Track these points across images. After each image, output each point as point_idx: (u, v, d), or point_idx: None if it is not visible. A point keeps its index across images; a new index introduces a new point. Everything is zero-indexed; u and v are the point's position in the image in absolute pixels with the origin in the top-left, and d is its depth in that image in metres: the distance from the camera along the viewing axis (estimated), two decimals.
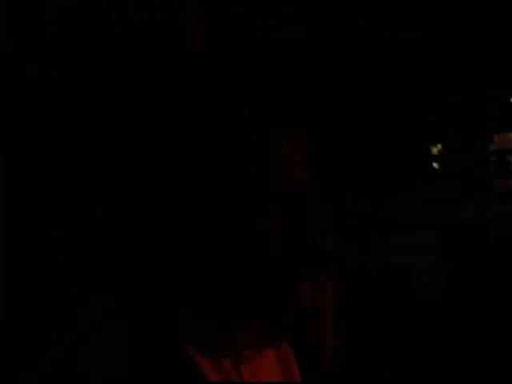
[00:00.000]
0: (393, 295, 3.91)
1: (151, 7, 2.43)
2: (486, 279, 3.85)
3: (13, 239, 2.38)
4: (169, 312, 1.00)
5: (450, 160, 4.63)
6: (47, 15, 2.50)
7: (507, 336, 3.54)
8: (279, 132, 0.99)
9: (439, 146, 4.76)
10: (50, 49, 2.51)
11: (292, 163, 1.00)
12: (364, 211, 4.45)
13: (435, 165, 4.80)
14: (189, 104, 1.07)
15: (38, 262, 2.36)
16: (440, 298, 3.96)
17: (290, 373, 1.11)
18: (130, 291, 1.08)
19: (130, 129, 2.49)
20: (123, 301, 1.07)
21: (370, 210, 4.46)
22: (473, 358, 3.50)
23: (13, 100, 2.46)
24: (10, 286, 2.36)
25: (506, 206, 4.34)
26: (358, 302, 3.71)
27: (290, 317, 1.03)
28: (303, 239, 1.00)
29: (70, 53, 2.52)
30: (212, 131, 1.01)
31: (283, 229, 0.98)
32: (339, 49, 3.78)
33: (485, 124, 4.38)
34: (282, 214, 0.99)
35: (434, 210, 4.38)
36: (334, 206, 4.38)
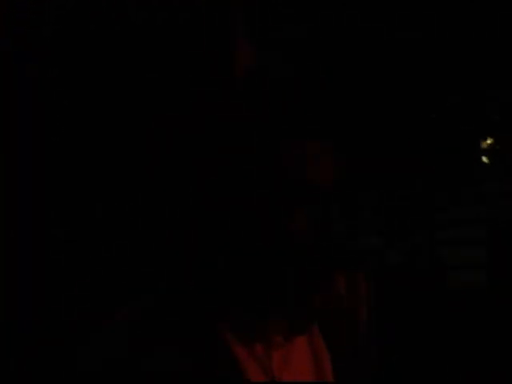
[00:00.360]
0: (425, 292, 3.89)
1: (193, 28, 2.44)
2: None
3: (13, 239, 2.38)
4: (208, 301, 1.11)
5: (500, 154, 4.60)
6: (47, 15, 2.50)
7: None
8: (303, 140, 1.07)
9: (490, 139, 4.73)
10: (50, 49, 2.51)
11: (317, 165, 1.07)
12: (413, 208, 4.44)
13: (485, 159, 4.76)
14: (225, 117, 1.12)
15: (38, 261, 2.37)
16: (481, 294, 3.94)
17: (320, 361, 1.19)
18: (168, 291, 1.15)
19: (130, 129, 2.49)
20: (162, 300, 1.14)
21: (418, 206, 4.45)
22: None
23: (13, 100, 2.46)
24: (9, 285, 2.37)
25: None
26: (393, 301, 3.69)
27: (316, 308, 1.15)
28: (329, 238, 1.09)
29: (70, 53, 2.53)
30: (242, 139, 1.09)
31: (309, 227, 1.07)
32: (341, 49, 3.79)
33: None
34: (307, 213, 1.07)
35: (482, 206, 4.37)
36: (385, 206, 4.37)
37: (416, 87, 4.29)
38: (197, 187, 1.14)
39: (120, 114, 2.50)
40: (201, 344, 1.09)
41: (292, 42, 2.84)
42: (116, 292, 2.31)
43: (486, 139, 4.71)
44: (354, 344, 1.26)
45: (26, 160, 2.43)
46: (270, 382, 1.12)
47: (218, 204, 1.11)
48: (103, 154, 2.46)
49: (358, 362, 1.26)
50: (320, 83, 1.18)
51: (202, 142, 1.15)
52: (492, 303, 3.84)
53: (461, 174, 4.55)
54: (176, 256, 1.20)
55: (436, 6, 3.78)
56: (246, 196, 1.08)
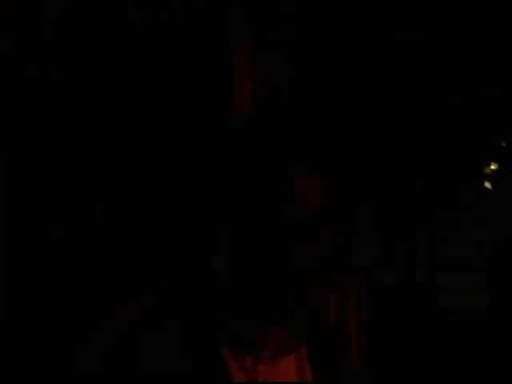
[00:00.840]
0: (415, 312, 3.88)
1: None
2: None
3: (13, 239, 2.38)
4: (206, 312, 1.16)
5: (504, 181, 4.61)
6: (47, 15, 2.50)
7: None
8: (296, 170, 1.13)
9: (494, 165, 4.73)
10: (50, 49, 2.51)
11: (306, 193, 1.13)
12: (411, 225, 4.43)
13: (487, 184, 4.76)
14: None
15: (38, 261, 2.37)
16: (480, 318, 3.91)
17: (303, 372, 1.24)
18: (168, 292, 1.19)
19: (130, 129, 2.49)
20: (161, 301, 1.18)
21: (417, 225, 4.44)
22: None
23: (13, 100, 2.46)
24: (9, 285, 2.37)
25: None
26: (381, 317, 3.68)
27: (306, 326, 1.20)
28: (321, 254, 1.14)
29: (70, 53, 2.53)
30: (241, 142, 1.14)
31: (301, 247, 1.13)
32: (341, 49, 3.79)
33: None
34: (299, 235, 1.13)
35: (483, 227, 4.36)
36: (378, 218, 4.37)
37: (416, 87, 4.29)
38: (197, 189, 1.17)
39: (120, 114, 2.50)
40: (197, 346, 1.14)
41: (292, 42, 2.84)
42: (116, 292, 2.31)
43: (489, 164, 4.71)
44: (342, 359, 1.32)
45: (26, 160, 2.43)
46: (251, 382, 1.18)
47: (217, 206, 1.14)
48: (103, 154, 2.46)
49: (345, 378, 1.30)
50: (320, 85, 1.21)
51: (201, 144, 1.18)
52: (491, 327, 3.83)
53: (462, 195, 4.56)
54: (176, 256, 1.22)
55: (436, 6, 3.78)
56: (243, 206, 1.12)
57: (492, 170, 4.69)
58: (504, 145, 4.37)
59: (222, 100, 2.30)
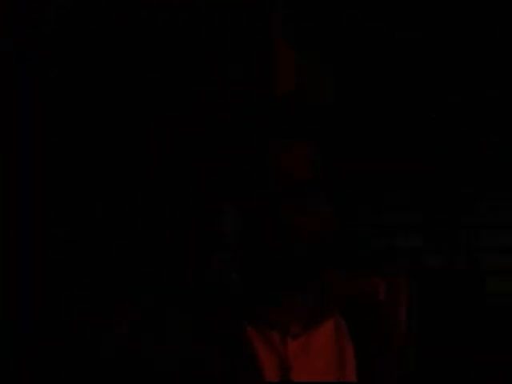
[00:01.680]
0: (462, 297, 3.86)
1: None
2: None
3: (13, 239, 2.38)
4: (226, 290, 1.16)
5: None
6: (47, 15, 2.50)
7: None
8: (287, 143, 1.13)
9: None
10: (50, 49, 2.51)
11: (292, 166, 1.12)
12: (453, 209, 4.41)
13: None
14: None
15: (38, 261, 2.37)
16: None
17: (343, 356, 1.21)
18: (169, 290, 1.20)
19: (130, 128, 2.49)
20: (162, 300, 1.17)
21: (459, 209, 4.42)
22: None
23: (13, 100, 2.46)
24: (9, 285, 2.37)
25: None
26: (430, 304, 3.66)
27: (331, 300, 1.19)
28: (337, 232, 1.14)
29: (70, 53, 2.53)
30: (240, 140, 1.15)
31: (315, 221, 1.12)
32: (343, 48, 3.79)
33: None
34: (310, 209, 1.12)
35: None
36: (424, 202, 4.34)
37: (416, 87, 4.30)
38: (196, 187, 1.18)
39: (120, 114, 2.50)
40: (216, 326, 1.14)
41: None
42: (116, 292, 2.31)
43: None
44: (386, 346, 1.29)
45: (26, 160, 2.43)
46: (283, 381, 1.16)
47: (218, 203, 1.15)
48: (103, 154, 2.46)
49: (387, 364, 1.28)
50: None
51: (201, 141, 1.18)
52: None
53: (498, 177, 4.54)
54: (176, 255, 1.23)
55: (436, 6, 3.78)
56: (247, 193, 1.13)
57: None
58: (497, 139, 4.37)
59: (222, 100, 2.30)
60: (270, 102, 1.21)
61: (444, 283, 3.82)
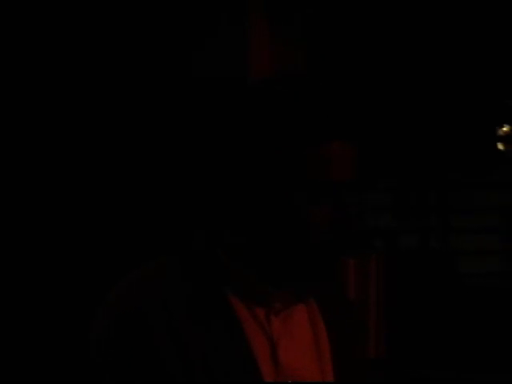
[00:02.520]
0: (434, 278, 3.85)
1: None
2: None
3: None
4: (218, 264, 1.20)
5: None
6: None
7: None
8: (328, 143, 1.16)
9: (507, 127, 4.66)
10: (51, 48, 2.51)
11: (339, 164, 1.16)
12: (424, 189, 4.39)
13: (500, 146, 4.68)
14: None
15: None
16: (494, 281, 3.89)
17: (316, 327, 1.27)
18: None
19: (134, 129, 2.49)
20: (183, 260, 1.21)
21: (430, 188, 4.40)
22: None
23: (13, 99, 2.47)
24: None
25: None
26: (404, 285, 3.65)
27: (317, 281, 1.23)
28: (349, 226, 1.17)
29: (71, 52, 2.53)
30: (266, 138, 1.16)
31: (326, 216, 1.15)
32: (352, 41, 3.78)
33: None
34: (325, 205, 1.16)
35: (495, 193, 4.31)
36: (394, 184, 4.31)
37: (430, 73, 4.27)
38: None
39: (124, 113, 2.50)
40: (205, 299, 1.17)
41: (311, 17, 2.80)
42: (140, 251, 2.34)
43: (502, 126, 4.66)
44: (358, 330, 1.35)
45: (25, 159, 2.44)
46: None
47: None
48: (104, 153, 2.48)
49: (359, 347, 1.34)
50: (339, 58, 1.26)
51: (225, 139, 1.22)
52: (505, 290, 3.81)
53: (475, 160, 4.51)
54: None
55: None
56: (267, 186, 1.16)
57: (504, 131, 4.64)
58: None
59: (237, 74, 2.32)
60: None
61: (416, 264, 3.82)
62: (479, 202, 4.13)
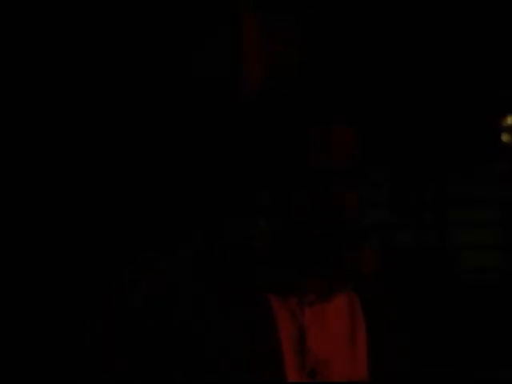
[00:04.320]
0: (431, 274, 3.82)
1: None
2: None
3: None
4: (249, 261, 1.21)
5: None
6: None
7: None
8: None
9: (510, 119, 4.63)
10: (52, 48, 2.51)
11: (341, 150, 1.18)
12: (421, 185, 4.34)
13: (504, 137, 4.66)
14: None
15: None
16: (494, 276, 3.86)
17: (355, 319, 1.28)
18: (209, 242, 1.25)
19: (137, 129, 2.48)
20: (201, 251, 1.23)
21: (428, 184, 4.35)
22: None
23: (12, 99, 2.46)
24: None
25: None
26: (401, 280, 3.62)
27: (343, 275, 1.24)
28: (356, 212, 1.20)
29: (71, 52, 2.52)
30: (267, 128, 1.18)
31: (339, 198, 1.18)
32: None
33: None
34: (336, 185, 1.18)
35: (495, 186, 4.28)
36: (390, 179, 4.28)
37: (434, 67, 4.24)
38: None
39: (123, 112, 2.50)
40: (238, 294, 1.19)
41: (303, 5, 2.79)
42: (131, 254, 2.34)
43: (506, 118, 4.63)
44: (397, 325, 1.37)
45: (24, 159, 2.44)
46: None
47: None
48: (103, 153, 2.47)
49: (398, 342, 1.36)
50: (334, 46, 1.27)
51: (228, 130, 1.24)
52: (505, 285, 3.78)
53: (476, 151, 4.47)
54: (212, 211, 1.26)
55: None
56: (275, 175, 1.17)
57: (508, 123, 4.62)
58: None
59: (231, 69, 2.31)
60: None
61: (413, 260, 3.78)
62: (479, 194, 4.09)
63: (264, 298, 1.19)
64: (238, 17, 2.48)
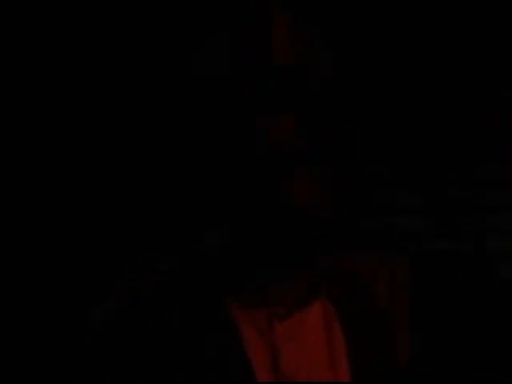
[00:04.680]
0: (469, 283, 3.72)
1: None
2: None
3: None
4: (213, 270, 1.09)
5: None
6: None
7: None
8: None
9: None
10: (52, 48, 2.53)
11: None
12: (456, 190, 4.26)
13: None
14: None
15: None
16: None
17: (331, 331, 1.13)
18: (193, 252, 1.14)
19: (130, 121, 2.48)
20: (187, 262, 1.12)
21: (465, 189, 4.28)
22: None
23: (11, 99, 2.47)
24: None
25: None
26: (434, 291, 3.51)
27: (322, 280, 1.12)
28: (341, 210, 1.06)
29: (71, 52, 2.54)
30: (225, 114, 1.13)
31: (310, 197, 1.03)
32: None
33: None
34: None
35: None
36: (425, 184, 4.19)
37: (433, 64, 4.24)
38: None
39: (123, 112, 2.50)
40: (201, 306, 1.07)
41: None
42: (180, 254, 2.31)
43: None
44: (379, 333, 1.20)
45: (24, 159, 2.45)
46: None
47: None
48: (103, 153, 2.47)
49: (381, 353, 1.18)
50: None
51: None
52: None
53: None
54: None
55: None
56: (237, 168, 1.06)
57: None
58: None
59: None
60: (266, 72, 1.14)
61: (449, 268, 3.68)
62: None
63: (227, 313, 1.05)
64: (269, 15, 2.47)
